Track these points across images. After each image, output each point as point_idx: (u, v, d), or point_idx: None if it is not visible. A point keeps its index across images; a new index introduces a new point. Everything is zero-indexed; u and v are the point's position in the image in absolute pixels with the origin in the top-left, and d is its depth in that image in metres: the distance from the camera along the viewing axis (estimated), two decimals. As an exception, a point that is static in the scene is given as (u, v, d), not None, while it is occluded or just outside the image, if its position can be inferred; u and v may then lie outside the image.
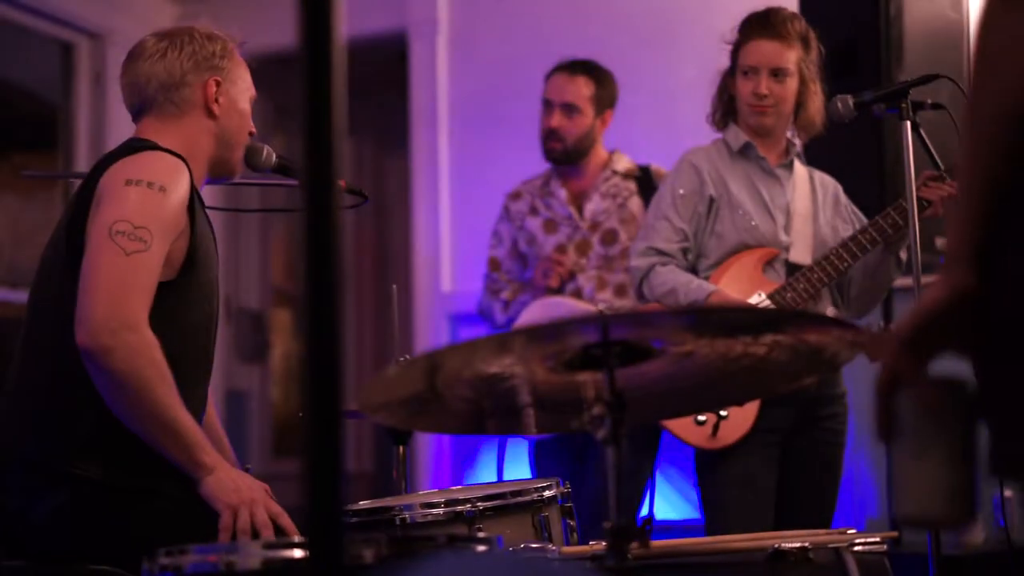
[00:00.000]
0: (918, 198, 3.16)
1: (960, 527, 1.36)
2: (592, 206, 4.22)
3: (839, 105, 3.15)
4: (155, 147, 2.50)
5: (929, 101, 3.10)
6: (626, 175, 4.26)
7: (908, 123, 3.03)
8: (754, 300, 3.33)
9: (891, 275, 3.44)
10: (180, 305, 2.45)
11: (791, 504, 3.42)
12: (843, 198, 3.56)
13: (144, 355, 2.30)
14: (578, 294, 4.13)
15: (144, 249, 2.34)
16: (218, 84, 2.61)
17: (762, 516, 3.35)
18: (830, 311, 3.41)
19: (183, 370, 2.47)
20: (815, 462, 3.44)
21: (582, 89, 4.20)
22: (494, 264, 4.37)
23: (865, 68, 4.15)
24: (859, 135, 3.97)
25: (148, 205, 2.38)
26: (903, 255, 3.38)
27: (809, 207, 3.48)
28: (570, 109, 4.19)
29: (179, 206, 2.44)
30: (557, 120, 4.18)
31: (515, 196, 4.36)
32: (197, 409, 2.53)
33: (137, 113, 2.64)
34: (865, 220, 3.44)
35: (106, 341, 2.27)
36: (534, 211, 4.29)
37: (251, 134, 2.70)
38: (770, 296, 3.33)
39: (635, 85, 5.06)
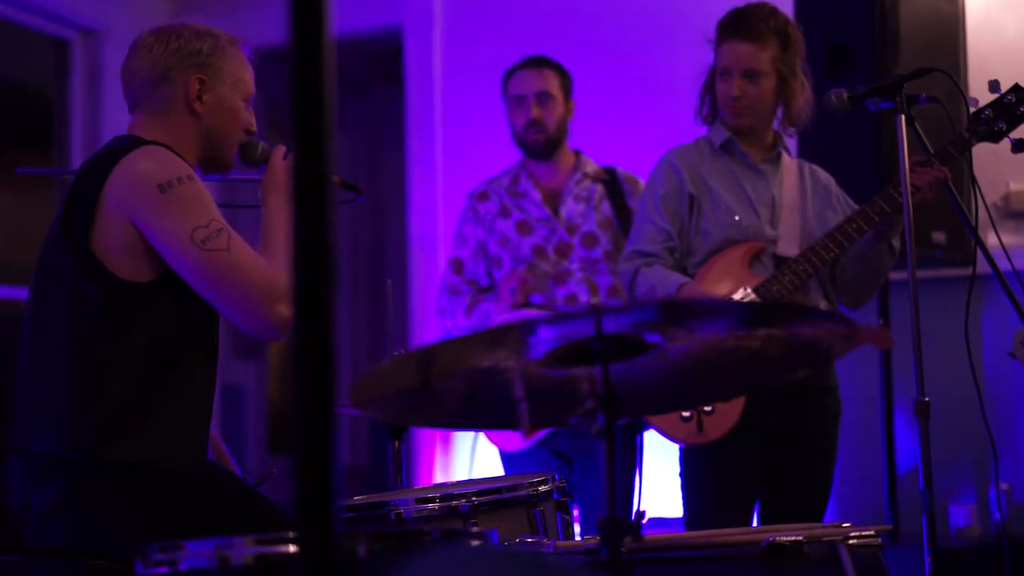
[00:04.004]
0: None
1: None
2: (567, 208, 4.20)
3: (833, 98, 3.13)
4: (142, 142, 2.50)
5: (924, 95, 3.09)
6: (595, 178, 4.26)
7: (903, 116, 3.02)
8: (739, 295, 3.32)
9: (884, 263, 3.40)
10: (187, 296, 2.45)
11: (783, 497, 3.42)
12: (836, 190, 3.54)
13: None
14: (572, 300, 4.11)
15: (228, 233, 2.41)
16: (202, 82, 2.58)
17: (740, 516, 3.34)
18: (823, 305, 3.40)
19: (193, 361, 2.49)
20: (806, 455, 3.43)
21: (551, 79, 4.23)
22: (457, 265, 4.33)
23: (861, 62, 4.15)
24: (855, 128, 3.97)
25: (196, 199, 2.42)
26: (896, 243, 3.34)
27: (797, 199, 3.47)
28: (546, 97, 4.20)
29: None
30: (536, 111, 4.20)
31: (482, 196, 4.32)
32: (207, 399, 2.54)
33: (131, 107, 2.65)
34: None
35: (276, 320, 2.41)
36: (505, 212, 4.24)
37: (249, 132, 2.66)
38: (755, 290, 3.31)
39: (629, 81, 5.06)
